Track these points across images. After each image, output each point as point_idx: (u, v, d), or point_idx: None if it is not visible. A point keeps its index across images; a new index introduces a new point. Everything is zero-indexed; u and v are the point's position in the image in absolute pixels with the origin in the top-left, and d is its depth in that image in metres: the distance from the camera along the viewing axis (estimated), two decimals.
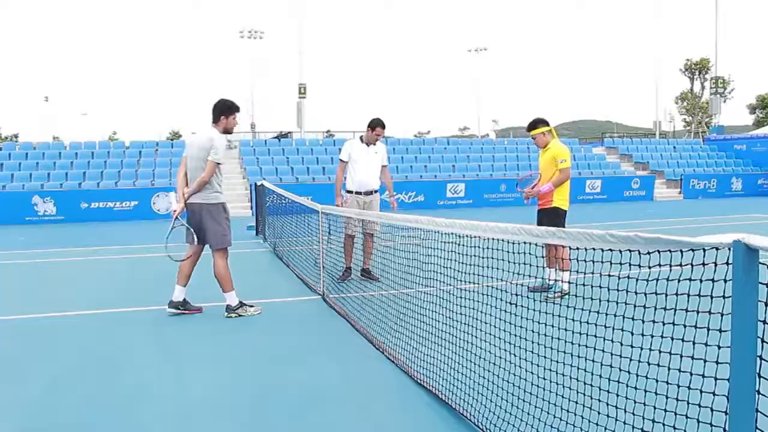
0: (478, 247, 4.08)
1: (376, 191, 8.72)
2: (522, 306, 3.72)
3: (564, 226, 7.03)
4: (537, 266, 3.43)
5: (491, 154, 28.93)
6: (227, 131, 6.90)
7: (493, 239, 3.59)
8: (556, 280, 6.77)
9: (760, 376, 2.08)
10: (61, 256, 12.19)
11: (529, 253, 3.38)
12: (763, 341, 2.10)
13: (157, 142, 27.79)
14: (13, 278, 9.95)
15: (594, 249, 2.71)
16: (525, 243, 3.19)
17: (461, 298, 4.50)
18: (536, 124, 7.79)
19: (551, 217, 7.31)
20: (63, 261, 11.68)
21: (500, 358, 4.04)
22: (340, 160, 8.82)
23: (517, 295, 3.73)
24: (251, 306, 6.93)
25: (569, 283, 6.57)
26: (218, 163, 6.67)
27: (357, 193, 8.56)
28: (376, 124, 8.57)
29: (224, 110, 6.81)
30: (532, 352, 3.72)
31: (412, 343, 5.04)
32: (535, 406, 3.55)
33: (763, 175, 30.45)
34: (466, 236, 3.93)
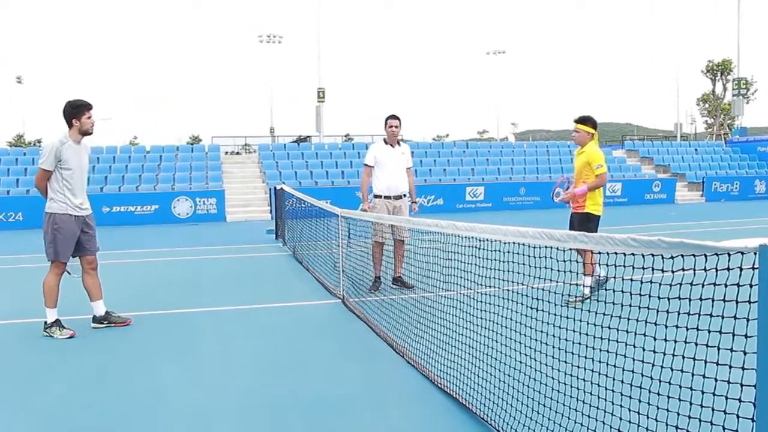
0: (498, 251, 4.06)
1: (405, 195, 8.40)
2: (543, 310, 3.69)
3: (596, 232, 7.08)
4: (557, 270, 3.41)
5: (510, 158, 28.82)
6: (85, 133, 6.41)
7: (513, 243, 3.57)
8: (578, 284, 6.72)
9: None
10: None
11: (550, 257, 3.35)
12: None
13: (177, 146, 27.98)
14: (34, 282, 10.03)
15: (616, 253, 2.69)
16: (546, 247, 3.16)
17: (481, 302, 4.47)
18: (587, 120, 7.69)
19: (583, 222, 7.27)
20: None
21: (520, 362, 4.01)
22: (366, 164, 8.42)
23: (537, 299, 3.70)
24: (62, 329, 6.29)
25: (591, 288, 6.53)
26: (46, 169, 6.29)
27: (386, 197, 8.22)
28: (387, 118, 8.34)
29: (72, 114, 6.30)
30: (553, 357, 3.69)
31: (432, 347, 5.02)
32: (556, 411, 3.52)
33: None
34: (486, 240, 3.91)
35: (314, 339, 6.15)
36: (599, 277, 6.82)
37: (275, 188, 16.51)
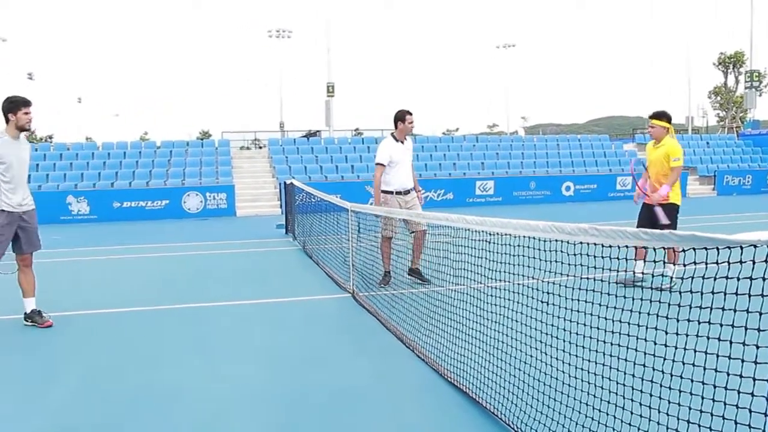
0: (509, 244, 4.05)
1: (412, 188, 8.36)
2: (554, 304, 3.68)
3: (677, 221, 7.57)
4: (569, 264, 3.39)
5: (520, 152, 28.74)
6: (22, 129, 6.31)
7: (523, 237, 3.56)
8: (643, 273, 6.64)
9: None
10: (96, 255, 12.38)
11: (561, 251, 3.34)
12: None
13: (187, 141, 28.08)
14: (49, 276, 10.09)
15: (627, 247, 2.67)
16: (556, 241, 3.15)
17: (492, 296, 4.47)
18: (662, 115, 7.94)
19: (670, 212, 7.55)
20: (98, 259, 11.86)
21: (531, 356, 4.00)
22: (380, 164, 8.14)
23: (548, 293, 3.69)
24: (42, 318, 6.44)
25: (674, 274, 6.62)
26: None
27: (398, 193, 8.16)
28: (405, 113, 8.19)
29: (9, 109, 6.22)
30: (564, 351, 3.69)
31: (443, 341, 5.02)
32: (567, 406, 3.51)
33: None
34: (497, 234, 3.90)
35: (325, 333, 6.16)
36: (634, 273, 6.81)
37: (285, 183, 16.54)
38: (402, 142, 8.26)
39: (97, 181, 22.63)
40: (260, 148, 34.58)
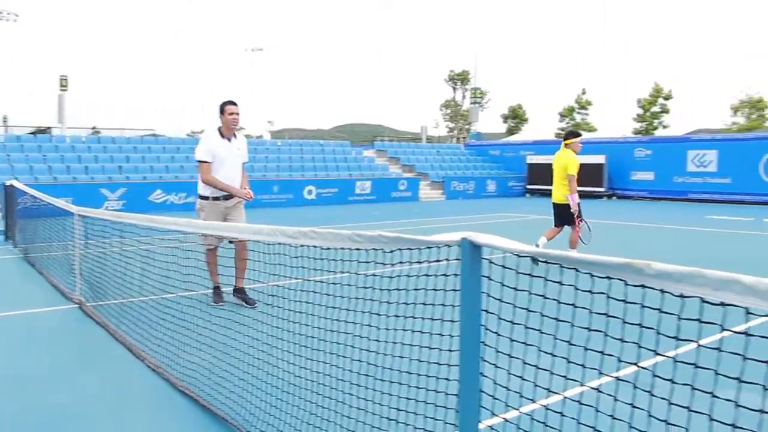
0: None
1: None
2: (278, 306, 3.76)
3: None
4: (291, 267, 3.49)
5: (264, 155, 28.88)
6: None
7: (250, 240, 3.59)
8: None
9: (483, 360, 2.30)
10: None
11: (284, 254, 3.42)
12: (486, 329, 2.32)
13: None
14: None
15: (343, 248, 2.82)
16: (280, 244, 3.23)
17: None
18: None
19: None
20: None
21: (258, 359, 4.05)
22: (203, 161, 7.00)
23: (273, 296, 3.76)
24: None
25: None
26: None
27: (215, 198, 7.03)
28: (224, 105, 7.11)
29: None
30: (289, 352, 3.79)
31: (173, 349, 4.89)
32: (293, 405, 3.61)
33: (513, 178, 33.50)
34: (224, 238, 3.90)
35: (48, 348, 5.69)
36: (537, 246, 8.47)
37: (5, 184, 14.99)
38: (229, 139, 7.16)
39: None
40: None
